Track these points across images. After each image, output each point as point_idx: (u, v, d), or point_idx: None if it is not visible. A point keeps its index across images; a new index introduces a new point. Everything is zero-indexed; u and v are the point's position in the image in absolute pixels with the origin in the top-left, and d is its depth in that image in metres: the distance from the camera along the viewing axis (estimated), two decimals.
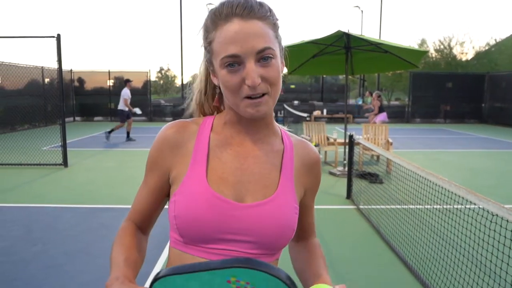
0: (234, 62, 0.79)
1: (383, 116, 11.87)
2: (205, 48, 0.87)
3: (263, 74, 0.80)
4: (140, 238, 0.96)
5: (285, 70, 0.99)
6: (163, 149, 0.91)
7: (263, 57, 0.80)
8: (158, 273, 0.68)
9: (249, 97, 0.81)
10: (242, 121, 0.90)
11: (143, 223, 0.99)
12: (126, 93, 11.11)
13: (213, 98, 0.98)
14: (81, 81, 19.19)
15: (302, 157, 0.95)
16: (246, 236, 0.85)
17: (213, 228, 0.84)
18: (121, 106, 11.22)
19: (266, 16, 0.82)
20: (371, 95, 13.20)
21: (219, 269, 0.65)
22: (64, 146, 7.72)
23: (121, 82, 19.30)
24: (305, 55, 7.05)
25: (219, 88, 0.89)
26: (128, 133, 11.62)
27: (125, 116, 11.31)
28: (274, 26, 0.84)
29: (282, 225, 0.86)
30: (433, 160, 8.82)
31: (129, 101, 11.09)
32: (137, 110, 11.57)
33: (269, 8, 0.84)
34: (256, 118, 0.85)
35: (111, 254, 0.88)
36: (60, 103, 7.81)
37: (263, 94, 0.81)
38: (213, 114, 0.99)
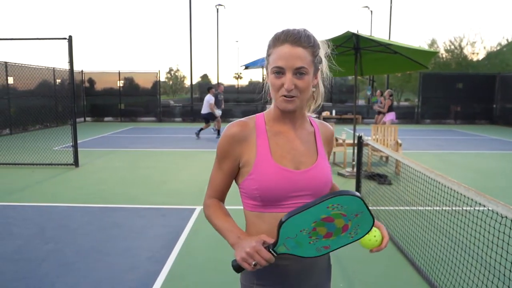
0: (279, 71, 1.19)
1: (392, 115, 11.81)
2: (266, 59, 1.26)
3: (297, 83, 1.19)
4: (223, 207, 1.35)
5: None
6: (232, 143, 1.26)
7: (298, 72, 1.18)
8: (281, 220, 1.07)
9: (284, 96, 1.20)
10: (285, 116, 1.29)
11: (221, 197, 1.37)
12: (210, 98, 12.54)
13: None
14: (91, 81, 19.38)
15: (323, 132, 1.39)
16: (306, 191, 1.25)
17: (284, 191, 1.22)
18: (206, 110, 12.60)
19: (309, 46, 1.20)
20: (382, 94, 13.08)
21: (319, 203, 1.05)
22: (75, 146, 7.82)
23: (131, 82, 19.46)
24: None
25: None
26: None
27: (210, 118, 12.78)
28: (313, 54, 1.22)
29: (325, 180, 1.29)
30: (443, 161, 8.76)
31: (213, 104, 12.59)
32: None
33: (314, 40, 1.23)
34: (286, 111, 1.24)
35: (215, 225, 1.29)
36: (71, 103, 7.92)
37: (293, 97, 1.20)
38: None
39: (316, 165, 1.28)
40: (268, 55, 1.24)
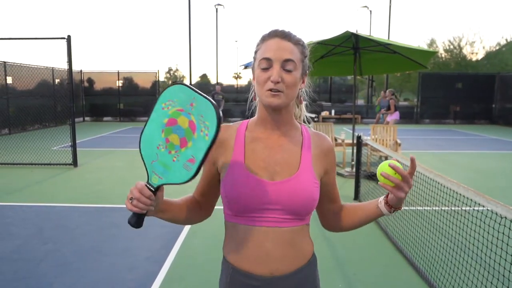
0: (266, 66, 1.11)
1: (396, 115, 11.81)
2: (254, 57, 1.19)
3: (284, 77, 1.10)
4: (192, 202, 1.28)
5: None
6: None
7: (286, 67, 1.11)
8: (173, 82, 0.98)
9: (270, 90, 1.11)
10: (268, 121, 1.19)
11: (201, 199, 1.29)
12: None
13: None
14: (90, 81, 19.36)
15: (319, 145, 1.24)
16: (278, 205, 1.13)
17: (253, 201, 1.12)
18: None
19: (299, 43, 1.15)
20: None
21: (154, 106, 1.03)
22: (74, 146, 7.81)
23: (130, 82, 19.45)
24: (313, 55, 7.02)
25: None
26: None
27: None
28: (303, 53, 1.16)
29: (304, 195, 1.14)
30: (442, 161, 8.76)
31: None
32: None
33: (303, 43, 1.17)
34: (272, 107, 1.13)
35: None
36: (70, 103, 7.91)
37: (279, 91, 1.10)
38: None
39: (294, 178, 1.14)
40: (256, 51, 1.18)
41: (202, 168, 1.11)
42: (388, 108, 11.98)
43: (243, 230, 1.16)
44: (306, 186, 1.15)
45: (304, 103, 1.32)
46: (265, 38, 1.15)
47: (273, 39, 1.13)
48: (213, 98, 13.67)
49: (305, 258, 1.21)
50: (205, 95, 1.01)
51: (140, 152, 1.06)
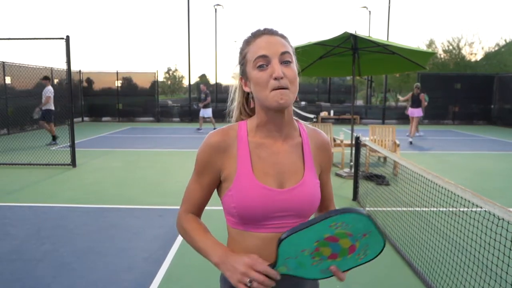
0: (263, 63, 1.06)
1: (419, 111, 11.88)
2: (240, 63, 1.16)
3: (285, 72, 1.06)
4: (204, 224, 1.23)
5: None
6: (212, 154, 1.14)
7: (284, 60, 1.07)
8: (280, 238, 0.98)
9: (275, 89, 1.05)
10: (270, 123, 1.14)
11: (199, 213, 1.24)
12: (47, 90, 10.51)
13: (246, 104, 1.25)
14: (89, 81, 19.34)
15: (315, 140, 1.22)
16: (289, 212, 1.12)
17: (265, 211, 1.10)
18: (45, 106, 10.56)
19: (285, 37, 1.13)
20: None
21: (320, 221, 0.95)
22: (72, 146, 7.80)
23: (129, 82, 19.43)
24: (312, 56, 7.05)
25: (251, 93, 1.15)
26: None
27: (46, 116, 10.76)
28: (291, 48, 1.13)
29: (312, 199, 1.15)
30: (441, 162, 8.76)
31: (50, 97, 10.52)
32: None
33: (289, 40, 1.14)
34: (281, 108, 1.08)
35: (195, 242, 1.15)
36: (69, 104, 7.90)
37: (286, 88, 1.06)
38: (249, 115, 1.24)
39: (302, 183, 1.14)
40: (244, 55, 1.13)
41: (196, 179, 1.18)
42: (418, 104, 11.90)
43: (251, 237, 1.14)
44: (312, 190, 1.16)
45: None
46: (251, 39, 1.12)
47: (261, 37, 1.10)
48: (205, 98, 13.55)
49: None
50: (381, 232, 1.01)
51: (279, 246, 0.99)
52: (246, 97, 1.24)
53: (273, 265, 1.02)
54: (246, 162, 1.12)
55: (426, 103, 12.39)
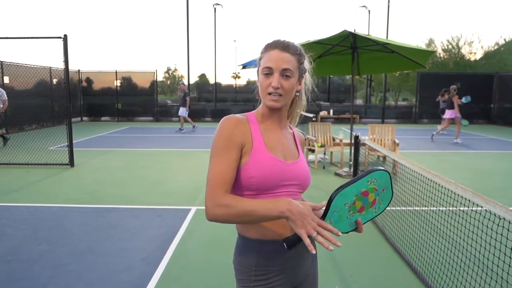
0: (268, 73, 1.34)
1: (451, 113, 11.92)
2: (258, 62, 1.41)
3: (282, 84, 1.34)
4: None
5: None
6: (234, 131, 1.32)
7: (285, 74, 1.34)
8: (333, 194, 1.18)
9: (270, 94, 1.35)
10: (272, 114, 1.42)
11: (230, 189, 1.32)
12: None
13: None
14: (88, 81, 19.28)
15: (299, 136, 1.54)
16: (294, 181, 1.37)
17: (277, 179, 1.32)
18: None
19: (296, 53, 1.37)
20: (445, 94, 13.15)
21: (364, 176, 1.21)
22: (70, 146, 7.76)
23: (128, 82, 19.38)
24: (311, 55, 7.01)
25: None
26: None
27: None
28: (299, 61, 1.38)
29: (308, 173, 1.44)
30: (441, 161, 8.73)
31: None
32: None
33: (300, 50, 1.39)
34: (273, 108, 1.38)
35: (251, 208, 1.22)
36: (66, 103, 7.86)
37: (280, 96, 1.35)
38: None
39: (300, 159, 1.44)
40: (260, 59, 1.40)
41: (224, 156, 1.30)
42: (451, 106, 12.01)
43: None
44: (307, 166, 1.45)
45: (304, 102, 1.52)
46: (267, 48, 1.37)
47: (274, 50, 1.35)
48: (184, 96, 13.74)
49: None
50: (392, 189, 1.30)
51: (332, 199, 1.18)
52: None
53: (323, 216, 1.20)
54: (259, 139, 1.36)
55: (459, 103, 12.41)
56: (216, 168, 1.29)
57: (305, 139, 1.61)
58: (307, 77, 1.47)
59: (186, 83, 18.86)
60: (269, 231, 1.33)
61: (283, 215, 1.18)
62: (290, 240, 1.18)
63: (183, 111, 14.26)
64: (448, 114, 12.14)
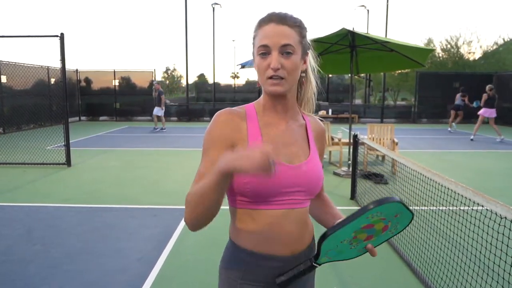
0: (265, 52, 1.11)
1: (486, 111, 12.23)
2: (252, 43, 1.17)
3: (283, 63, 1.10)
4: None
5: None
6: (224, 128, 1.14)
7: (285, 51, 1.10)
8: (321, 237, 1.04)
9: (271, 78, 1.11)
10: (276, 104, 1.19)
11: None
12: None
13: None
14: (87, 80, 19.20)
15: (315, 128, 1.29)
16: (299, 187, 1.15)
17: (276, 186, 1.12)
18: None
19: (295, 25, 1.13)
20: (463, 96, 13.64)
21: (360, 216, 1.00)
22: (67, 146, 7.71)
23: (127, 81, 19.31)
24: None
25: None
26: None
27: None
28: (300, 34, 1.14)
29: (318, 176, 1.20)
30: (440, 161, 8.70)
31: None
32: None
33: (300, 22, 1.16)
34: (275, 94, 1.14)
35: (205, 187, 1.03)
36: (63, 102, 7.81)
37: (282, 79, 1.11)
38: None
39: (309, 160, 1.20)
40: (254, 37, 1.17)
41: (208, 159, 1.14)
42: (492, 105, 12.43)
43: (262, 215, 1.14)
44: (318, 167, 1.21)
45: (313, 82, 1.28)
46: (261, 23, 1.14)
47: (269, 24, 1.12)
48: (158, 95, 13.81)
49: (311, 234, 1.27)
50: (409, 208, 1.07)
51: (320, 244, 1.07)
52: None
53: (315, 257, 1.09)
54: (257, 139, 1.15)
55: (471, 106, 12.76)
56: (199, 170, 1.14)
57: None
58: (312, 56, 1.24)
59: (184, 82, 18.80)
60: (262, 245, 1.16)
61: (224, 171, 0.96)
62: (282, 281, 1.10)
63: (158, 110, 14.28)
64: (487, 112, 12.50)
